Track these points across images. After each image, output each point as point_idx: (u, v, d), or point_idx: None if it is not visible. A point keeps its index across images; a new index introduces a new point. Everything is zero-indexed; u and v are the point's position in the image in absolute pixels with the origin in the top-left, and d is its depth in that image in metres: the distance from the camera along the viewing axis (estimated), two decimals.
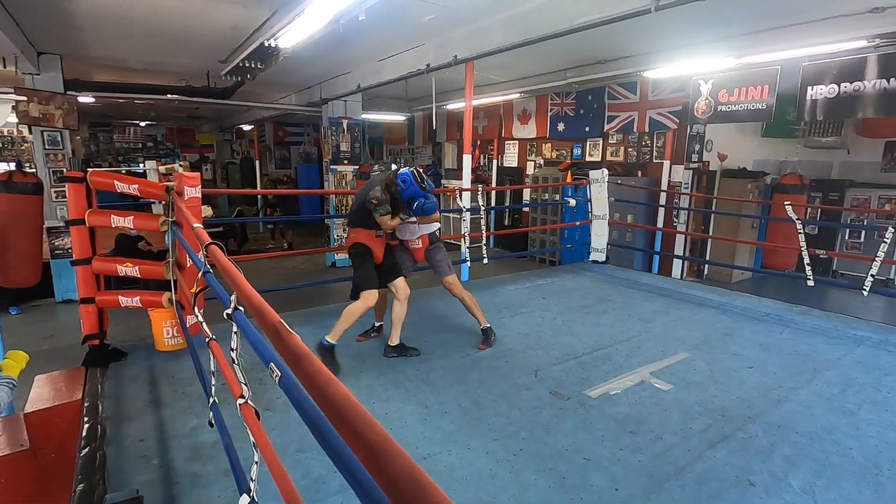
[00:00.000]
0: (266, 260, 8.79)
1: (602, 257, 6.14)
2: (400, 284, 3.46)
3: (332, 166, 8.78)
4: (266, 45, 4.69)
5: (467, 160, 5.85)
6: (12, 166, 3.96)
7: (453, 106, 8.98)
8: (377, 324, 3.87)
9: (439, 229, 3.91)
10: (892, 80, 4.29)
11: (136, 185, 3.17)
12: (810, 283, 4.63)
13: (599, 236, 6.13)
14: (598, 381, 3.08)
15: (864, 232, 7.81)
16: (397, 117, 10.78)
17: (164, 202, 3.21)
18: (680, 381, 3.10)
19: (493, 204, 10.70)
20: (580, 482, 2.13)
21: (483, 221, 5.56)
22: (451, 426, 2.56)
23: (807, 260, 4.63)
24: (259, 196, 12.15)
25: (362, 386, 2.99)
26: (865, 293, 4.29)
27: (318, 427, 0.78)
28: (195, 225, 2.03)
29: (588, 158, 8.75)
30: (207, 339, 1.91)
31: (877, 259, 4.19)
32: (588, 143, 8.77)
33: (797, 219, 4.67)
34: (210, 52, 6.14)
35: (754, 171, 7.93)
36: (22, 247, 3.88)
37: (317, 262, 9.17)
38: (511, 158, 10.46)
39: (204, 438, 2.38)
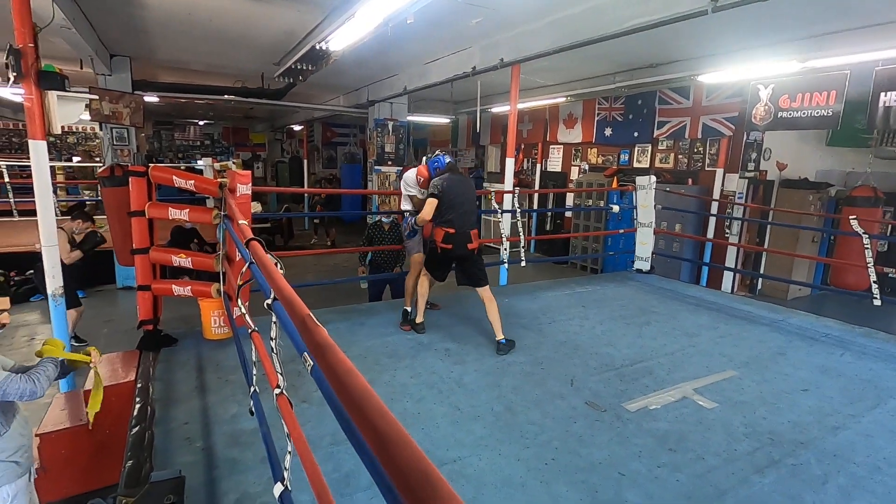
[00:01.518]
0: (310, 256, 9.05)
1: (647, 266, 5.94)
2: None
3: (376, 167, 8.94)
4: (317, 48, 4.84)
5: (510, 164, 5.81)
6: (107, 160, 4.18)
7: (498, 109, 8.95)
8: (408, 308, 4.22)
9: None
10: None
11: (192, 181, 3.34)
12: (877, 302, 4.30)
13: (644, 245, 5.94)
14: (638, 395, 2.98)
15: None
16: (442, 119, 10.85)
17: (217, 197, 3.36)
18: (726, 400, 2.95)
19: (535, 207, 10.56)
20: (613, 497, 2.07)
21: (521, 224, 5.50)
22: (482, 430, 2.54)
23: (873, 278, 4.31)
24: (306, 194, 12.54)
25: (396, 384, 3.02)
26: None
27: (342, 416, 0.79)
28: (241, 221, 2.12)
29: (636, 165, 8.49)
30: (250, 330, 1.98)
31: None
32: (636, 149, 8.52)
33: (864, 233, 4.36)
34: (265, 55, 6.41)
35: (817, 181, 7.45)
36: (125, 232, 4.17)
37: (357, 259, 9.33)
38: (555, 163, 10.31)
39: (244, 426, 2.47)
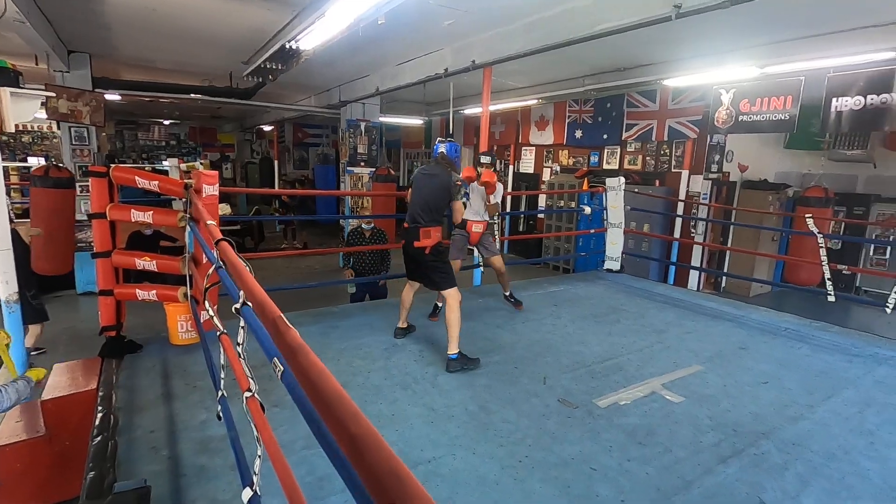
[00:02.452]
0: (281, 259, 8.90)
1: (617, 266, 6.08)
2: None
3: (348, 168, 8.87)
4: (287, 46, 4.77)
5: None
6: (42, 161, 4.09)
7: (471, 111, 9.01)
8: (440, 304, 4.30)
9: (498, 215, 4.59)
10: None
11: (156, 182, 3.24)
12: (831, 298, 4.52)
13: (614, 245, 6.07)
14: (608, 391, 3.05)
15: (889, 248, 7.60)
16: (415, 121, 10.84)
17: (183, 199, 3.27)
18: (692, 394, 3.04)
19: (507, 210, 10.68)
20: (585, 492, 2.11)
21: (496, 227, 5.54)
22: (457, 430, 2.55)
23: (828, 275, 4.52)
24: (274, 197, 12.33)
25: (370, 386, 3.00)
26: (889, 311, 4.17)
27: (314, 420, 0.78)
28: (209, 222, 2.07)
29: (605, 166, 8.68)
30: (218, 333, 1.94)
31: None
32: (606, 151, 8.71)
33: (819, 232, 4.57)
34: (233, 53, 6.27)
35: (776, 183, 7.78)
36: (59, 237, 4.02)
37: (330, 262, 9.24)
38: (527, 164, 10.44)
39: (213, 432, 2.41)
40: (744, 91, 5.53)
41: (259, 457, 1.39)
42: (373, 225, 5.08)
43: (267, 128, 14.31)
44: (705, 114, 6.71)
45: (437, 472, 2.20)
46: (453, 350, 3.25)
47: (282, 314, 1.00)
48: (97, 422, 2.35)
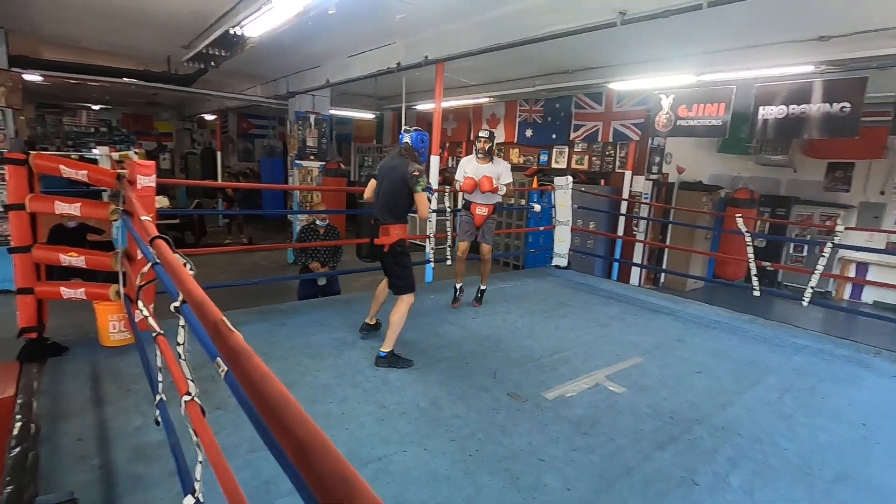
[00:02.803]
0: (224, 255, 8.53)
1: (564, 262, 6.27)
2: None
3: (297, 161, 8.61)
4: (231, 33, 4.56)
5: (435, 161, 5.85)
6: None
7: (423, 106, 8.98)
8: (459, 285, 4.63)
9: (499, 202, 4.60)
10: (834, 104, 4.57)
11: (84, 172, 3.01)
12: (756, 293, 4.87)
13: (562, 242, 6.25)
14: (556, 384, 3.14)
15: (806, 246, 8.29)
16: (366, 115, 10.68)
17: (115, 190, 3.06)
18: (633, 385, 3.20)
19: (459, 206, 10.74)
20: (534, 483, 2.16)
21: (448, 223, 5.57)
22: (408, 427, 2.54)
23: (754, 271, 4.87)
24: (217, 190, 11.76)
25: (319, 385, 2.94)
26: (805, 304, 4.55)
27: (259, 424, 0.76)
28: (143, 217, 1.95)
29: (554, 165, 8.92)
30: (155, 334, 1.83)
31: (816, 272, 4.45)
32: (554, 151, 8.94)
33: (747, 231, 4.91)
34: (171, 37, 5.91)
35: (709, 184, 8.29)
36: None
37: (277, 258, 8.96)
38: None
39: (149, 438, 2.28)
40: (682, 97, 5.84)
41: (200, 462, 1.32)
42: (327, 221, 4.97)
43: (209, 117, 13.62)
44: (647, 117, 7.03)
45: (388, 469, 2.19)
46: (386, 348, 3.20)
47: (224, 317, 0.96)
48: (15, 431, 2.16)
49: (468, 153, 10.59)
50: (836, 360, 3.87)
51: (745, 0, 3.03)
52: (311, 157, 8.67)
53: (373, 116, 11.15)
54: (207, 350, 1.23)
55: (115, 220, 3.07)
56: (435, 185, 5.74)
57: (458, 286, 4.68)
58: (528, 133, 9.13)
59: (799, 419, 2.87)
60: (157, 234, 1.76)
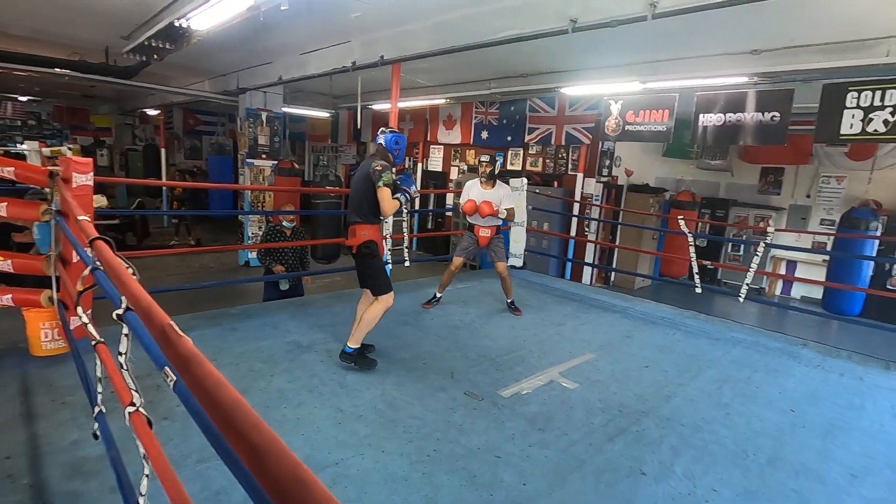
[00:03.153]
0: (171, 257, 8.14)
1: (520, 263, 6.39)
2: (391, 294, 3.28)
3: (248, 160, 8.33)
4: (176, 25, 4.35)
5: None
6: None
7: (379, 106, 8.91)
8: (439, 295, 4.62)
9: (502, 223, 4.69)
10: (766, 113, 4.91)
11: (11, 168, 2.80)
12: (698, 290, 5.16)
13: (517, 242, 6.37)
14: (511, 382, 3.20)
15: (742, 246, 8.84)
16: (321, 113, 10.47)
17: (47, 189, 2.86)
18: (585, 380, 3.31)
19: (417, 208, 10.74)
20: (491, 480, 2.20)
21: (405, 224, 5.56)
22: (365, 430, 2.53)
23: (695, 269, 5.15)
24: (164, 188, 11.18)
25: (273, 391, 2.86)
26: (741, 300, 4.86)
27: (212, 433, 0.74)
28: (81, 217, 1.84)
29: (509, 167, 9.08)
30: (94, 343, 1.73)
31: (750, 270, 4.76)
32: (510, 153, 9.10)
33: (689, 232, 5.19)
34: (110, 26, 5.58)
35: (655, 187, 8.69)
36: None
37: (228, 260, 8.64)
38: (436, 163, 10.58)
39: (87, 452, 2.15)
40: (629, 103, 6.09)
41: (147, 476, 1.26)
42: (294, 223, 4.78)
43: (152, 112, 12.93)
44: (598, 122, 7.28)
45: (346, 473, 2.17)
46: (353, 344, 3.15)
47: (171, 321, 0.92)
48: None
49: (426, 155, 10.67)
50: (769, 351, 4.16)
51: (685, 14, 3.20)
52: (263, 156, 8.42)
53: (328, 115, 10.94)
54: (154, 358, 1.18)
55: (47, 221, 2.87)
56: None
57: (438, 295, 4.77)
58: (484, 135, 9.24)
59: (736, 408, 3.06)
60: (96, 235, 1.66)
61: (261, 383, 2.94)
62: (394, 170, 3.24)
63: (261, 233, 8.41)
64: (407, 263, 5.51)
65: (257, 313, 4.16)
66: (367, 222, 3.21)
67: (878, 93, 4.17)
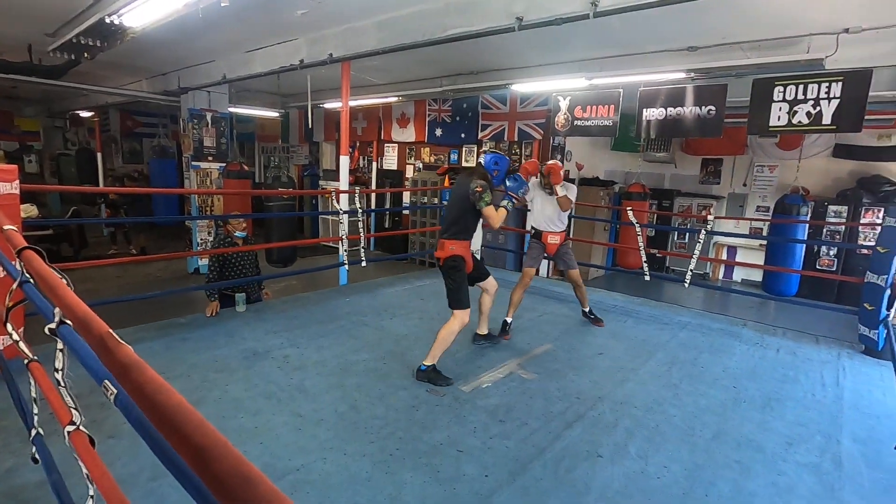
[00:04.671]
0: (112, 268, 7.71)
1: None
2: (492, 282, 3.71)
3: (193, 163, 7.99)
4: (108, 21, 4.12)
5: (344, 161, 5.75)
6: None
7: (330, 105, 8.75)
8: (509, 320, 4.14)
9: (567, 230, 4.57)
10: (703, 107, 5.17)
11: None
12: (647, 277, 5.38)
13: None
14: (472, 376, 3.25)
15: (687, 234, 9.30)
16: (270, 113, 10.17)
17: None
18: (544, 370, 3.40)
19: (373, 206, 10.65)
20: (454, 473, 2.23)
21: (361, 224, 5.51)
22: (326, 433, 2.50)
23: (644, 258, 5.38)
24: (99, 195, 10.51)
25: (228, 400, 2.78)
26: (686, 285, 5.11)
27: (154, 440, 0.71)
28: (6, 226, 1.72)
29: (464, 164, 9.14)
30: (27, 361, 1.62)
31: (694, 256, 5.02)
32: (464, 149, 9.17)
33: (637, 223, 5.40)
34: (32, 22, 5.20)
35: (605, 180, 8.99)
36: None
37: (176, 268, 8.27)
38: (391, 161, 10.52)
39: (26, 479, 2.01)
40: (578, 99, 6.26)
41: (91, 497, 1.20)
42: (246, 234, 4.36)
43: (85, 114, 12.15)
44: (548, 118, 7.44)
45: (307, 479, 2.14)
46: (428, 361, 3.14)
47: (111, 330, 0.88)
48: None
49: (380, 153, 10.57)
50: (713, 332, 4.40)
51: (625, 13, 3.33)
52: (210, 158, 8.09)
53: (277, 115, 10.63)
54: (93, 373, 1.12)
55: None
56: (345, 186, 5.65)
57: (509, 320, 4.16)
58: (438, 132, 9.27)
59: (684, 388, 3.23)
60: (24, 244, 1.55)
61: (215, 393, 2.84)
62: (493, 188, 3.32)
63: (210, 238, 8.12)
64: (364, 263, 5.46)
65: (209, 322, 4.01)
66: (457, 238, 3.33)
67: (801, 87, 4.48)
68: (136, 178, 11.05)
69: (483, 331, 3.83)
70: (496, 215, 3.23)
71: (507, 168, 3.43)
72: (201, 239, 8.08)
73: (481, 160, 3.43)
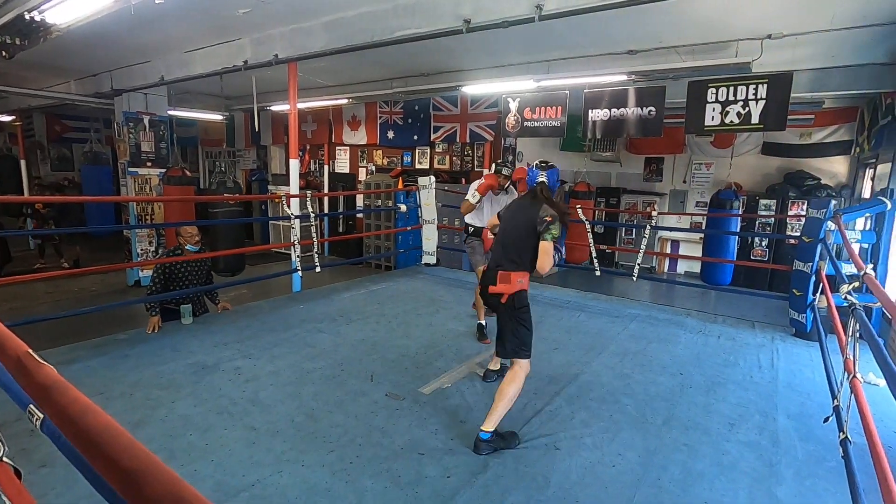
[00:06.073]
0: (40, 283, 7.17)
1: (433, 260, 6.47)
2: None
3: (130, 169, 7.55)
4: (28, 18, 3.82)
5: (294, 165, 5.60)
6: None
7: (278, 107, 8.51)
8: (483, 322, 3.98)
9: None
10: (644, 108, 5.41)
11: None
12: (597, 273, 5.57)
13: (430, 240, 6.44)
14: (432, 378, 3.24)
15: (634, 230, 9.70)
16: (213, 116, 9.76)
17: None
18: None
19: (325, 210, 10.44)
20: (415, 477, 2.21)
21: (314, 229, 5.38)
22: (282, 445, 2.41)
23: (594, 254, 5.56)
24: (24, 205, 9.70)
25: (176, 418, 2.63)
26: (635, 279, 5.33)
27: (83, 465, 0.66)
28: None
29: (417, 166, 9.14)
30: None
31: (640, 251, 5.23)
32: (417, 151, 9.16)
33: (586, 220, 5.58)
34: None
35: None
36: None
37: (114, 281, 7.78)
38: (343, 164, 10.36)
39: None
40: (526, 101, 6.40)
41: None
42: (200, 246, 4.10)
43: (5, 118, 11.23)
44: (499, 119, 7.58)
45: (263, 494, 2.06)
46: (488, 427, 2.44)
47: (30, 350, 0.81)
48: None
49: (331, 157, 10.38)
50: (660, 323, 4.60)
51: (568, 16, 3.43)
52: (149, 164, 7.67)
53: (221, 118, 10.22)
54: (16, 398, 1.03)
55: None
56: (295, 191, 5.51)
57: (482, 322, 4.01)
58: (390, 135, 9.22)
59: (635, 377, 3.36)
60: None
61: (161, 412, 2.69)
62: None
63: (152, 249, 7.70)
64: (318, 269, 5.34)
65: (152, 336, 3.79)
66: (522, 269, 2.63)
67: (731, 88, 4.78)
68: (65, 187, 10.32)
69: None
70: (550, 258, 2.56)
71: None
72: (141, 249, 7.65)
73: (543, 179, 2.79)
